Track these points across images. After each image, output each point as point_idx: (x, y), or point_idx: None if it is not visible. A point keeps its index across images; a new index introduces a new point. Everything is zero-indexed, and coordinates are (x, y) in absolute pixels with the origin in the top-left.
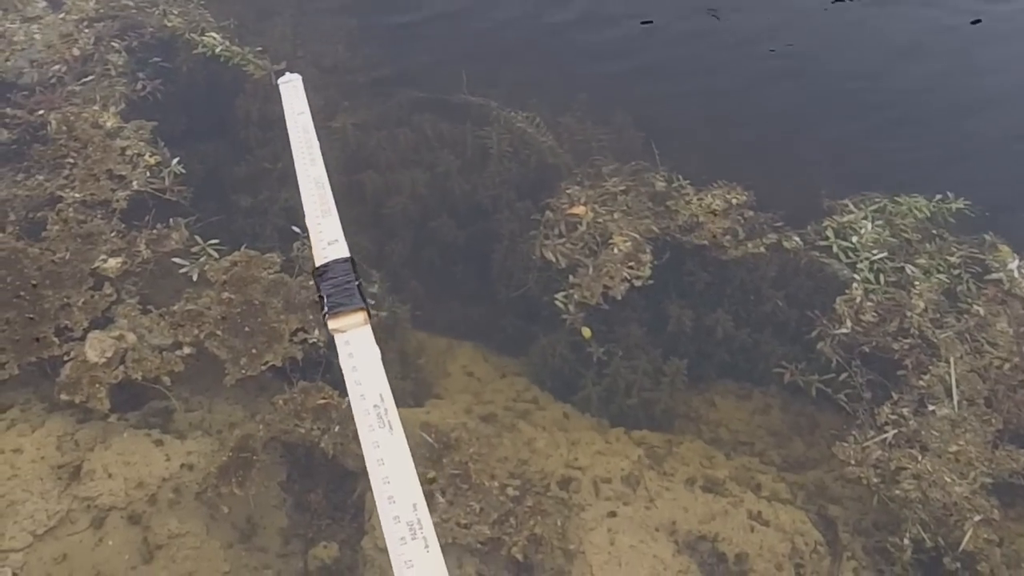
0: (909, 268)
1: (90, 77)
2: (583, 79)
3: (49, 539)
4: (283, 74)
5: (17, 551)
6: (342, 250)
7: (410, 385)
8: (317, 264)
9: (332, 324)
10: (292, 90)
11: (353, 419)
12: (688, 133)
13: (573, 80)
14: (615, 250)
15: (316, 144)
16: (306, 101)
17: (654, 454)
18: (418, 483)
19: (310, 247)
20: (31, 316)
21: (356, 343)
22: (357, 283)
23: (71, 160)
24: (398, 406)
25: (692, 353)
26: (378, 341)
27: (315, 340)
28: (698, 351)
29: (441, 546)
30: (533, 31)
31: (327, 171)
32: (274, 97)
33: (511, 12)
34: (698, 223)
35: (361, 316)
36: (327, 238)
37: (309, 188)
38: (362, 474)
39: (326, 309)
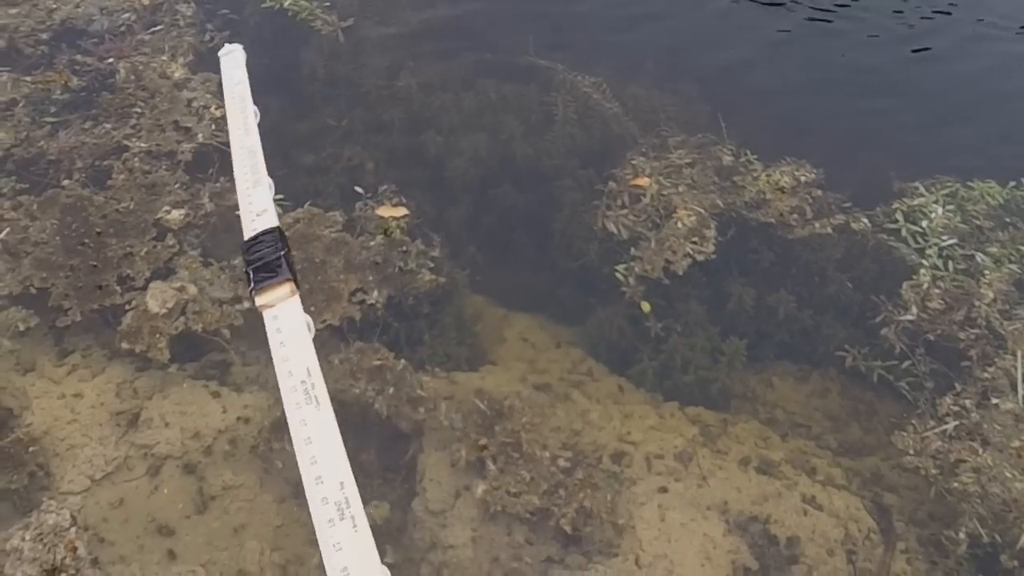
0: (979, 256)
1: (159, 27)
2: (651, 47)
3: (106, 484)
4: (225, 44)
5: (75, 494)
6: (270, 220)
7: (465, 351)
8: (246, 237)
9: (259, 300)
10: (232, 60)
11: (404, 381)
12: (756, 107)
13: (640, 47)
14: (679, 224)
15: (252, 114)
16: (246, 71)
17: (708, 432)
18: (346, 460)
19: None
20: (94, 264)
21: (284, 316)
22: (284, 253)
23: (138, 110)
24: (454, 371)
25: (752, 332)
26: (436, 305)
27: (373, 301)
28: (758, 331)
29: (490, 514)
30: None
31: (393, 132)
32: (340, 54)
33: None
34: (765, 200)
35: (288, 287)
36: (256, 209)
37: (242, 158)
38: (415, 436)
39: (252, 285)
